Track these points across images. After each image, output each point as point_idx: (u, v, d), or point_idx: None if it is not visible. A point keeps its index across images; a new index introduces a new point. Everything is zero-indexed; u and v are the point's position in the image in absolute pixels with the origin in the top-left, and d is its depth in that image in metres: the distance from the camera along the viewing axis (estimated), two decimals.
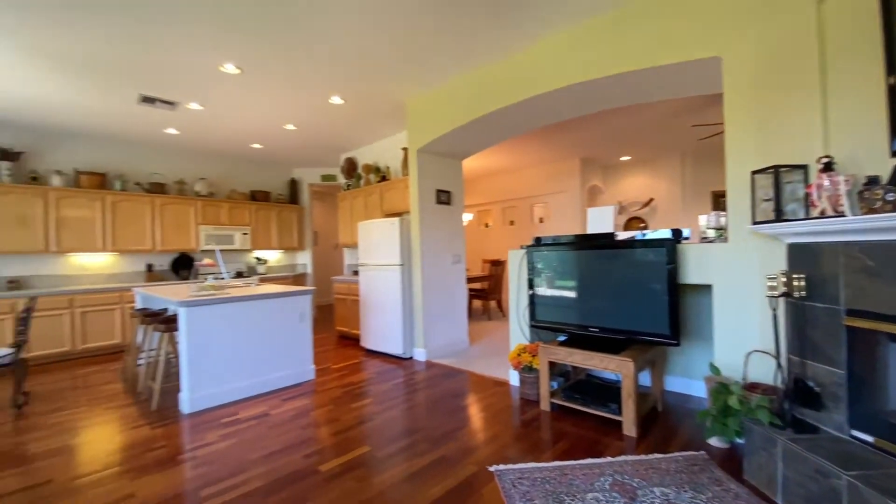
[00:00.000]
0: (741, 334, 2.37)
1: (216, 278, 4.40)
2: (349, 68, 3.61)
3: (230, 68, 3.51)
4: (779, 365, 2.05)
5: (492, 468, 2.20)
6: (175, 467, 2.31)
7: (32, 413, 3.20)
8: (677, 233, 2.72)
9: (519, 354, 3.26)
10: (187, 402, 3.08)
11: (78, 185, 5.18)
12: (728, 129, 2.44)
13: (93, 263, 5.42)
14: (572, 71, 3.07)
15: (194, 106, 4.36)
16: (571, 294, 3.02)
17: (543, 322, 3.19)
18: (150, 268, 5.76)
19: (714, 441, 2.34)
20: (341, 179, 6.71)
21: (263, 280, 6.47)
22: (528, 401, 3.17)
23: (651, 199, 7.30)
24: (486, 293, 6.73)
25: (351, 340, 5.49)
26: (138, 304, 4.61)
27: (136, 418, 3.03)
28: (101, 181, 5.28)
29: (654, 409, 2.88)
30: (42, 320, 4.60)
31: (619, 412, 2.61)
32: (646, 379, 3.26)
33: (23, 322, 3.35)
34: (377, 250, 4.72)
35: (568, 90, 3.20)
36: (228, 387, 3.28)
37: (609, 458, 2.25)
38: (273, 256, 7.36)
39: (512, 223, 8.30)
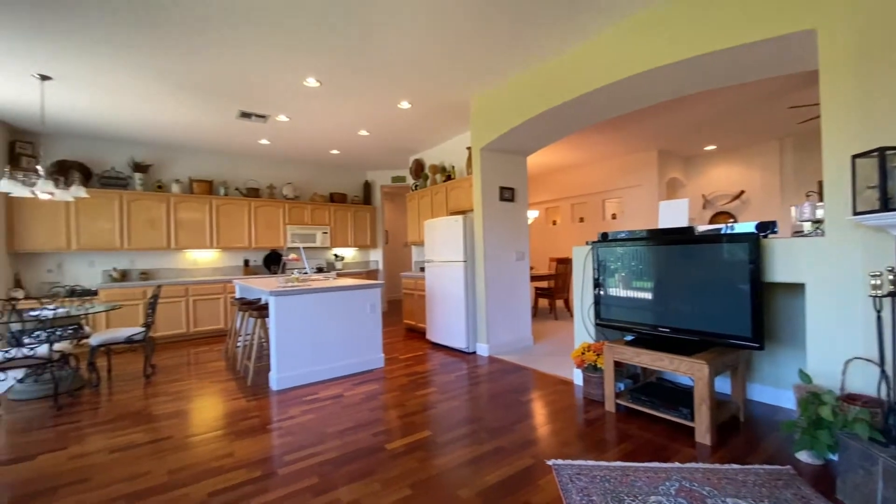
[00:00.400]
0: (839, 339, 2.10)
1: (300, 272, 4.87)
2: (416, 74, 3.79)
3: (311, 82, 3.88)
4: (884, 374, 1.80)
5: (549, 462, 2.21)
6: (265, 434, 2.64)
7: (157, 382, 3.83)
8: (763, 226, 2.47)
9: (583, 353, 3.19)
10: (275, 380, 3.48)
11: (191, 192, 6.05)
12: (825, 108, 2.17)
13: (202, 258, 6.30)
14: (647, 57, 2.90)
15: (282, 118, 4.88)
16: (640, 292, 2.89)
17: (610, 321, 3.09)
18: (246, 263, 6.54)
19: (804, 456, 2.11)
20: (410, 180, 7.01)
21: (340, 275, 6.99)
22: (591, 401, 3.09)
23: (742, 192, 6.60)
24: (552, 292, 6.60)
25: (417, 333, 5.73)
26: (237, 294, 5.27)
27: (235, 391, 3.49)
28: (208, 187, 6.11)
29: (735, 419, 2.66)
30: (164, 306, 5.46)
31: (692, 418, 2.45)
32: (726, 386, 3.01)
33: (151, 307, 4.03)
34: (442, 247, 4.89)
35: (643, 78, 3.04)
36: (309, 369, 3.64)
37: (677, 464, 2.14)
38: (349, 254, 7.91)
39: (581, 220, 8.02)
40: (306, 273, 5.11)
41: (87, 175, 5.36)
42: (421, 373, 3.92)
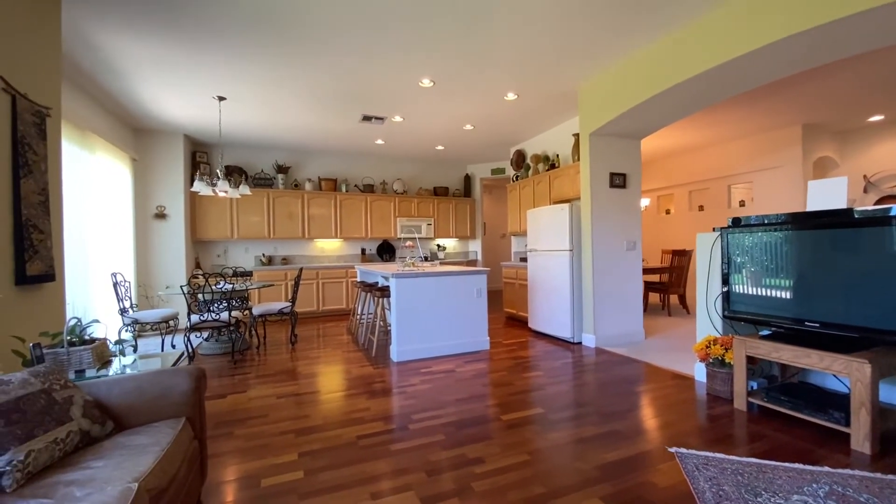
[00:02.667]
0: None
1: (411, 258, 5.30)
2: (524, 65, 3.86)
3: (426, 82, 4.19)
4: None
5: (672, 449, 2.17)
6: (391, 396, 3.01)
7: (300, 348, 4.54)
8: None
9: (707, 346, 2.99)
10: (395, 352, 3.90)
11: (320, 189, 6.93)
12: None
13: (328, 247, 7.19)
14: (801, 15, 2.58)
15: (397, 118, 5.33)
16: (781, 282, 2.62)
17: (741, 313, 2.84)
18: (363, 251, 7.29)
19: None
20: (510, 172, 7.09)
21: (442, 264, 7.38)
22: (716, 397, 2.90)
23: None
24: (665, 287, 6.14)
25: (518, 322, 5.83)
26: (358, 278, 5.93)
27: (362, 360, 3.99)
28: (333, 185, 6.94)
29: None
30: (300, 287, 6.37)
31: (846, 423, 2.18)
32: (893, 395, 2.57)
33: (295, 286, 4.77)
34: (546, 236, 4.90)
35: (794, 41, 2.65)
36: (423, 345, 4.00)
37: (827, 468, 1.94)
38: (450, 244, 8.29)
39: (701, 208, 7.28)
40: (415, 259, 5.54)
41: (244, 177, 6.49)
42: (525, 357, 4.02)
